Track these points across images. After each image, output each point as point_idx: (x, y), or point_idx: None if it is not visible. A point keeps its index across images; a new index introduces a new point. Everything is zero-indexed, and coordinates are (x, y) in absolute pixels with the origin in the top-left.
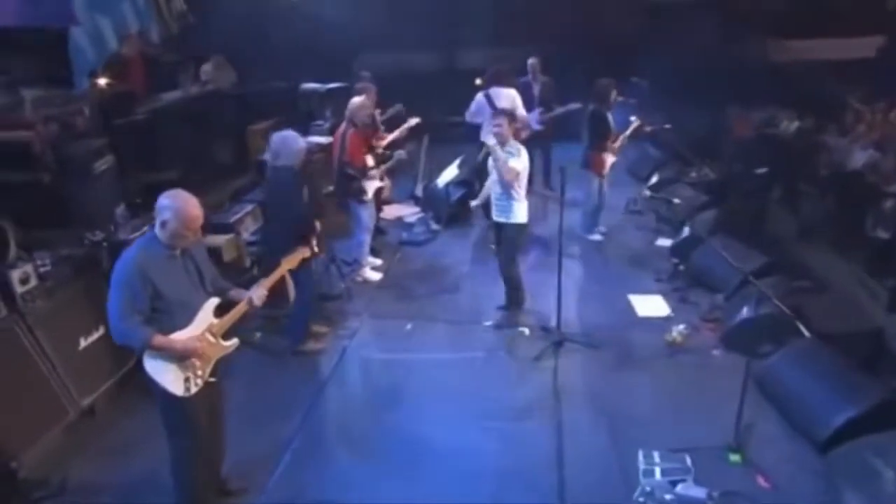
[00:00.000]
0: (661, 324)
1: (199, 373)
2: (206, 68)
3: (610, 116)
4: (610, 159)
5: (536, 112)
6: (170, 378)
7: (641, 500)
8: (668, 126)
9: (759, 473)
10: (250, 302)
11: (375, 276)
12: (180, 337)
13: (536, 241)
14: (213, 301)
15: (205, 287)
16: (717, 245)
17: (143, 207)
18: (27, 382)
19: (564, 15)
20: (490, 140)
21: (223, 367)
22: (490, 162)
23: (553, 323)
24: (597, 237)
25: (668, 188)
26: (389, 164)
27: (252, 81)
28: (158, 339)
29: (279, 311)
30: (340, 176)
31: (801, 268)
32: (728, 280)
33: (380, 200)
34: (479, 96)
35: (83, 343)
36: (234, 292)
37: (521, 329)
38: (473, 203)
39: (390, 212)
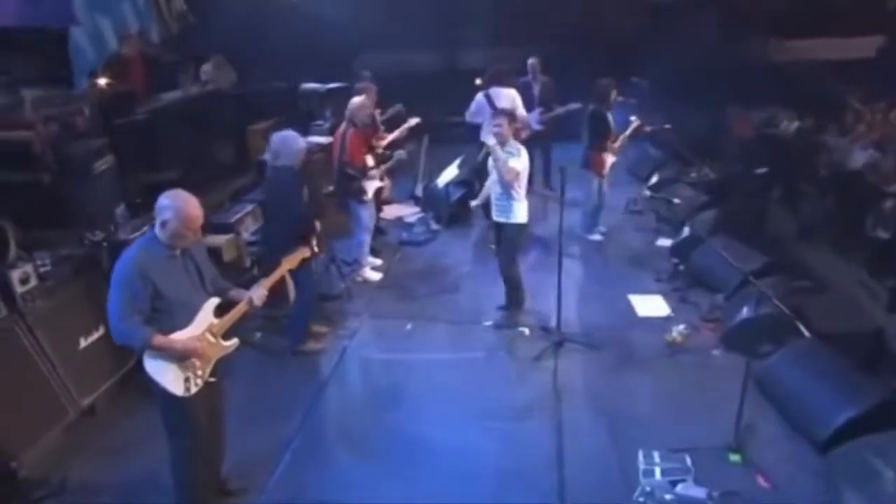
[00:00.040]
0: (661, 324)
1: (199, 373)
2: (206, 68)
3: (610, 116)
4: (610, 159)
5: (536, 112)
6: (170, 378)
7: (641, 500)
8: (667, 126)
9: (759, 473)
10: (250, 302)
11: (375, 276)
12: (180, 337)
13: (536, 240)
14: (213, 301)
15: (205, 287)
16: (717, 245)
17: (143, 207)
18: (27, 382)
19: (565, 15)
20: (490, 140)
21: (223, 366)
22: (490, 162)
23: (553, 323)
24: (597, 237)
25: (668, 188)
26: (389, 164)
27: (252, 81)
28: (158, 340)
29: (279, 311)
30: (340, 176)
31: (802, 268)
32: (728, 280)
33: (380, 200)
34: (480, 96)
35: (83, 343)
36: (234, 292)
37: (521, 329)
38: (473, 203)
39: (390, 212)
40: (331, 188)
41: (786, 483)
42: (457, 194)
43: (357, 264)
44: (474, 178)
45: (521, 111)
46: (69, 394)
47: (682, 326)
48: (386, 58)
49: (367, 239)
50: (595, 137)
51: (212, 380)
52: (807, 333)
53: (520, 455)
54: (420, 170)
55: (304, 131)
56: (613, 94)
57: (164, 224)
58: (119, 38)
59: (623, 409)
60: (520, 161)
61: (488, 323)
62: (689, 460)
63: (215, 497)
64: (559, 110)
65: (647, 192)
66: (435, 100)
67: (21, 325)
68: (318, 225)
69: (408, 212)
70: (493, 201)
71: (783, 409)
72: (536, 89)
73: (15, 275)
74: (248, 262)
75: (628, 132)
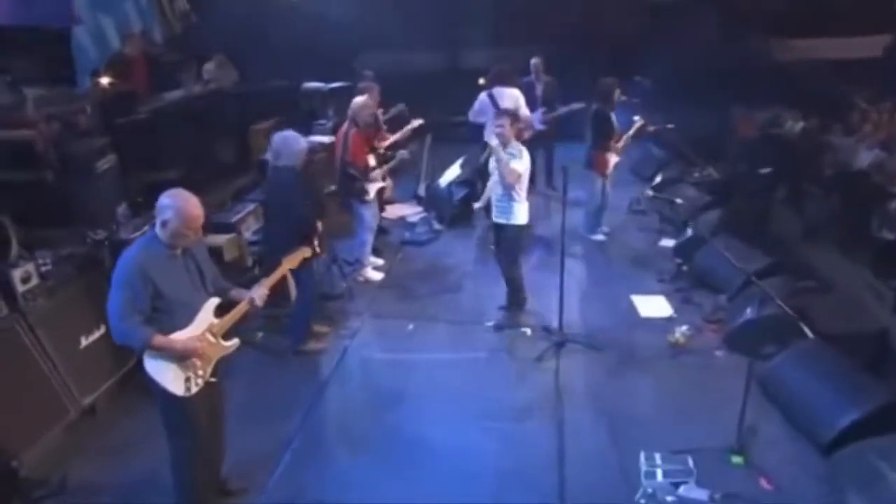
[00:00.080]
0: (664, 324)
1: (200, 373)
2: (209, 67)
3: (613, 116)
4: (613, 159)
5: (539, 112)
6: (170, 378)
7: (643, 501)
8: (670, 126)
9: (762, 475)
10: (251, 302)
11: (377, 275)
12: (180, 337)
13: (539, 240)
14: (214, 301)
15: (205, 287)
16: (719, 245)
17: (144, 206)
18: (28, 381)
19: (567, 14)
20: (493, 141)
21: (224, 366)
22: (491, 163)
23: (555, 323)
24: (600, 237)
25: (671, 188)
26: (392, 163)
27: (254, 80)
28: (158, 340)
29: (280, 311)
30: (343, 175)
31: (806, 268)
32: (731, 281)
33: (382, 200)
34: (483, 96)
35: (84, 342)
36: (235, 292)
37: (522, 329)
38: (476, 205)
39: (393, 211)
40: (333, 188)
41: (789, 485)
42: (459, 194)
43: (359, 264)
44: (476, 177)
45: (524, 111)
46: (70, 393)
47: (684, 327)
48: (388, 57)
49: (369, 239)
50: (598, 137)
51: (212, 380)
52: (810, 334)
53: (520, 455)
54: (422, 169)
55: (307, 130)
56: (617, 93)
57: (164, 223)
58: (121, 38)
59: (625, 409)
60: (521, 163)
61: (490, 323)
62: (691, 462)
63: (215, 497)
64: (562, 110)
65: (650, 192)
66: (437, 99)
67: (22, 323)
68: (319, 225)
69: (410, 211)
70: (494, 202)
71: (786, 410)
72: (539, 89)
73: (16, 273)
74: (249, 262)
75: (631, 132)
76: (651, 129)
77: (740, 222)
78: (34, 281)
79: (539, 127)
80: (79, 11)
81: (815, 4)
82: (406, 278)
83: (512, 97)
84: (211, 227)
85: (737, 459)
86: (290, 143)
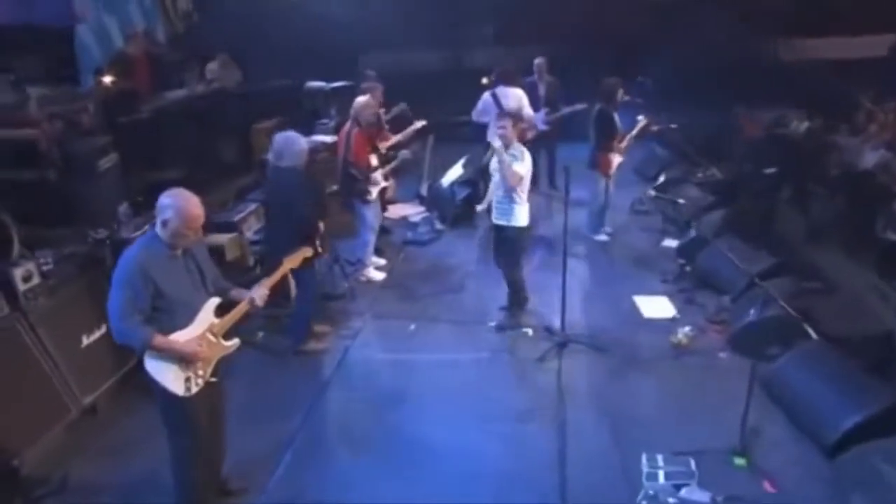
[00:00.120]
0: (667, 325)
1: (200, 373)
2: (212, 67)
3: (616, 116)
4: (616, 159)
5: (542, 112)
6: (170, 378)
7: (644, 503)
8: (673, 126)
9: (765, 478)
10: (252, 302)
11: (379, 275)
12: (181, 338)
13: (541, 240)
14: (214, 301)
15: (206, 287)
16: (723, 246)
17: (146, 206)
18: (29, 380)
19: (570, 14)
20: (495, 142)
21: (224, 366)
22: (493, 164)
23: (557, 324)
24: (603, 237)
25: (674, 188)
26: (394, 163)
27: (257, 80)
28: (159, 340)
29: (282, 311)
30: (345, 175)
31: (811, 269)
32: (735, 281)
33: (384, 200)
34: (486, 95)
35: (85, 341)
36: (236, 292)
37: (524, 330)
38: (479, 207)
39: (395, 211)
40: (335, 187)
41: (792, 488)
42: (462, 194)
43: (361, 264)
44: (479, 177)
45: (527, 111)
46: (71, 392)
47: (687, 328)
48: (391, 57)
49: (371, 239)
50: (601, 137)
51: (212, 380)
52: (814, 336)
53: (522, 456)
54: (425, 169)
55: (309, 130)
56: (620, 93)
57: (165, 223)
58: (125, 37)
59: (627, 410)
60: (523, 165)
61: (492, 323)
62: (693, 464)
63: (215, 497)
64: (565, 110)
65: (652, 192)
66: (440, 99)
67: (23, 322)
68: (321, 225)
69: (412, 211)
70: (495, 204)
71: (790, 412)
72: (542, 89)
73: (17, 272)
74: (251, 262)
75: (635, 132)
76: (654, 128)
77: (744, 223)
78: (35, 280)
79: (542, 127)
80: (84, 10)
81: (821, 4)
82: (408, 278)
83: (515, 97)
84: (213, 226)
85: (739, 461)
86: (292, 143)
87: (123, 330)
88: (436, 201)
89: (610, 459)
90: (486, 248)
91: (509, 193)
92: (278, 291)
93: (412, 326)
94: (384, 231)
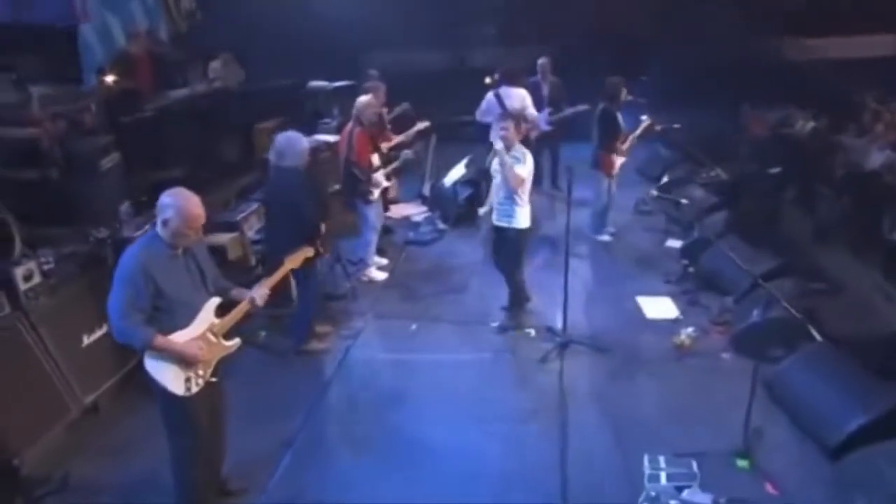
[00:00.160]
0: (670, 326)
1: (201, 372)
2: (215, 66)
3: (619, 116)
4: (619, 159)
5: (545, 112)
6: (170, 377)
7: None
8: (677, 126)
9: (768, 480)
10: (252, 301)
11: (381, 275)
12: (181, 338)
13: (544, 240)
14: (215, 301)
15: (206, 287)
16: (724, 247)
17: (148, 205)
18: (30, 380)
19: (574, 13)
20: (497, 144)
21: (225, 366)
22: (494, 165)
23: (559, 324)
24: (605, 238)
25: (678, 189)
26: (396, 163)
27: (260, 79)
28: (159, 340)
29: (284, 311)
30: (347, 175)
31: (815, 270)
32: (738, 282)
33: (386, 200)
34: (490, 95)
35: (86, 340)
36: (236, 292)
37: (526, 330)
38: (482, 210)
39: (397, 211)
40: (337, 187)
41: (795, 490)
42: (464, 194)
43: (363, 264)
44: (482, 177)
45: (531, 111)
46: (72, 391)
47: (690, 329)
48: (393, 56)
49: (373, 238)
50: (605, 137)
51: (213, 379)
52: (818, 337)
53: (523, 457)
54: (427, 169)
55: (312, 129)
56: (623, 92)
57: (165, 223)
58: (127, 37)
59: (629, 412)
60: (525, 167)
61: (494, 324)
62: (695, 465)
63: (215, 497)
64: (568, 111)
65: (654, 192)
66: (442, 99)
67: (24, 322)
68: (322, 226)
69: (415, 211)
70: (496, 205)
71: (793, 413)
72: (545, 90)
73: (18, 271)
74: (252, 261)
75: (638, 132)
76: (658, 128)
77: (748, 223)
78: (36, 279)
79: (544, 128)
80: (88, 9)
81: (828, 3)
82: (410, 278)
83: (519, 97)
84: (214, 225)
85: (742, 463)
86: (293, 143)
87: (124, 329)
88: (438, 201)
89: (611, 460)
90: (488, 248)
91: (511, 195)
92: (280, 291)
93: (414, 326)
94: (386, 231)
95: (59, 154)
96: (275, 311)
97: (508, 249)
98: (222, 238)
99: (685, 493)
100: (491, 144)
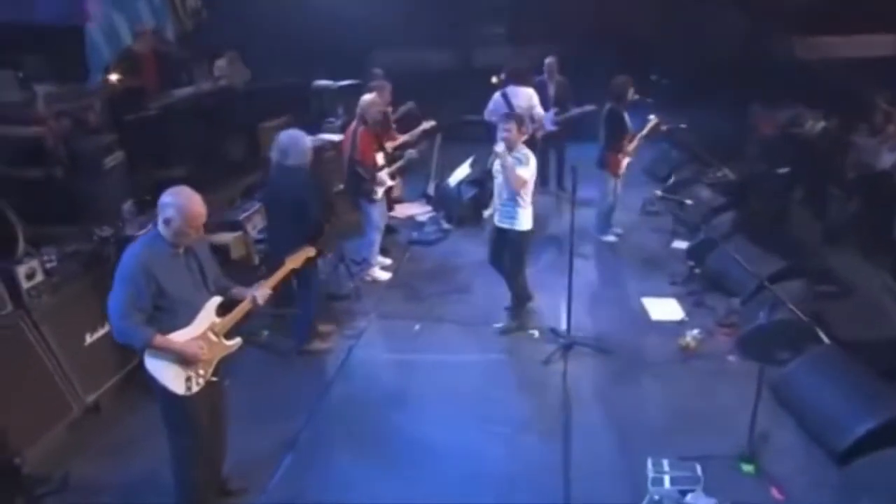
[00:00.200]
0: (675, 328)
1: (201, 372)
2: (220, 64)
3: (626, 115)
4: (626, 159)
5: (551, 112)
6: (170, 377)
7: None
8: (683, 126)
9: (773, 485)
10: (253, 301)
11: (384, 275)
12: (182, 337)
13: (550, 240)
14: (216, 300)
15: (207, 286)
16: (730, 248)
17: (151, 204)
18: (32, 378)
19: (581, 12)
20: (498, 146)
21: (227, 365)
22: (496, 166)
23: (563, 325)
24: (611, 238)
25: (686, 189)
26: (400, 162)
27: (264, 78)
28: (159, 340)
29: (288, 310)
30: (351, 174)
31: (824, 272)
32: (745, 284)
33: (391, 199)
34: (497, 95)
35: (89, 339)
36: (237, 291)
37: (530, 332)
38: (486, 212)
39: (401, 210)
40: (341, 186)
41: (801, 495)
42: (469, 193)
43: (366, 263)
44: (486, 177)
45: (538, 110)
46: (74, 390)
47: (696, 331)
48: (399, 55)
49: (377, 238)
50: (611, 137)
51: (213, 379)
52: (826, 340)
53: (526, 458)
54: (432, 169)
55: (316, 128)
56: (630, 92)
57: (167, 222)
58: (134, 36)
59: (633, 414)
60: (527, 169)
61: (498, 325)
62: (699, 469)
63: (215, 497)
64: (574, 111)
65: (659, 193)
66: (448, 98)
67: (26, 320)
68: (326, 225)
69: (419, 211)
70: (498, 206)
71: (800, 417)
72: (552, 89)
73: (21, 270)
74: (256, 260)
75: (645, 131)
76: (664, 128)
77: (756, 224)
78: (39, 277)
79: (550, 128)
80: (93, 9)
81: (838, 1)
82: (413, 278)
83: (526, 96)
84: (218, 224)
85: (747, 467)
86: (297, 142)
87: (124, 329)
88: (443, 201)
89: (615, 463)
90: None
91: (513, 196)
92: (283, 291)
93: (417, 327)
94: (390, 230)
95: (63, 152)
96: (280, 310)
97: (511, 251)
98: (226, 237)
99: (689, 497)
100: None
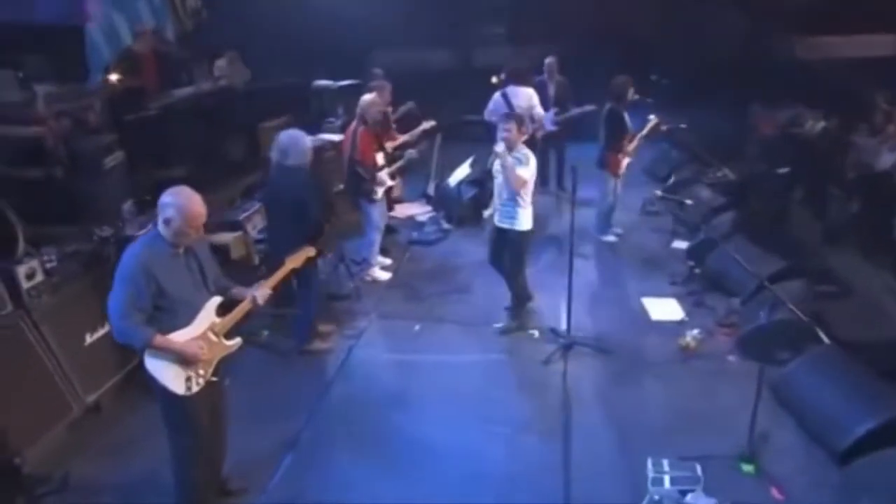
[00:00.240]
0: (675, 328)
1: (201, 372)
2: (220, 64)
3: (626, 115)
4: (626, 159)
5: (551, 112)
6: (170, 376)
7: None
8: (683, 126)
9: (773, 485)
10: (253, 300)
11: (385, 275)
12: (182, 337)
13: (550, 240)
14: (216, 300)
15: (207, 286)
16: (730, 249)
17: (152, 204)
18: (32, 378)
19: (581, 12)
20: (498, 146)
21: (228, 365)
22: (496, 166)
23: (563, 325)
24: (611, 238)
25: (686, 189)
26: (400, 162)
27: (264, 78)
28: (159, 340)
29: (288, 310)
30: (351, 174)
31: (825, 272)
32: (745, 284)
33: (391, 199)
34: (497, 95)
35: (89, 339)
36: (237, 291)
37: (530, 332)
38: (486, 212)
39: (402, 210)
40: (342, 186)
41: (801, 495)
42: (469, 193)
43: (366, 263)
44: (486, 177)
45: (538, 110)
46: (74, 390)
47: (696, 331)
48: (399, 55)
49: (377, 238)
50: (611, 137)
51: (213, 379)
52: (826, 340)
53: (526, 459)
54: (432, 169)
55: (316, 128)
56: (630, 91)
57: (167, 222)
58: (134, 36)
59: (633, 414)
60: (527, 169)
61: (498, 325)
62: (699, 469)
63: (215, 497)
64: (574, 111)
65: (659, 193)
66: (448, 98)
67: (26, 320)
68: (326, 225)
69: (419, 211)
70: (498, 206)
71: (800, 418)
72: (551, 89)
73: (21, 270)
74: (256, 260)
75: (645, 131)
76: (664, 128)
77: (756, 224)
78: (39, 277)
79: (550, 128)
80: (93, 9)
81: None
82: (414, 278)
83: (526, 96)
84: (218, 224)
85: (747, 467)
86: (296, 142)
87: (123, 329)
88: (443, 201)
89: (615, 463)
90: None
91: (513, 196)
92: (282, 291)
93: (417, 327)
94: (390, 230)
95: (63, 152)
96: (280, 310)
97: (510, 251)
98: (226, 237)
99: (689, 497)
100: None
